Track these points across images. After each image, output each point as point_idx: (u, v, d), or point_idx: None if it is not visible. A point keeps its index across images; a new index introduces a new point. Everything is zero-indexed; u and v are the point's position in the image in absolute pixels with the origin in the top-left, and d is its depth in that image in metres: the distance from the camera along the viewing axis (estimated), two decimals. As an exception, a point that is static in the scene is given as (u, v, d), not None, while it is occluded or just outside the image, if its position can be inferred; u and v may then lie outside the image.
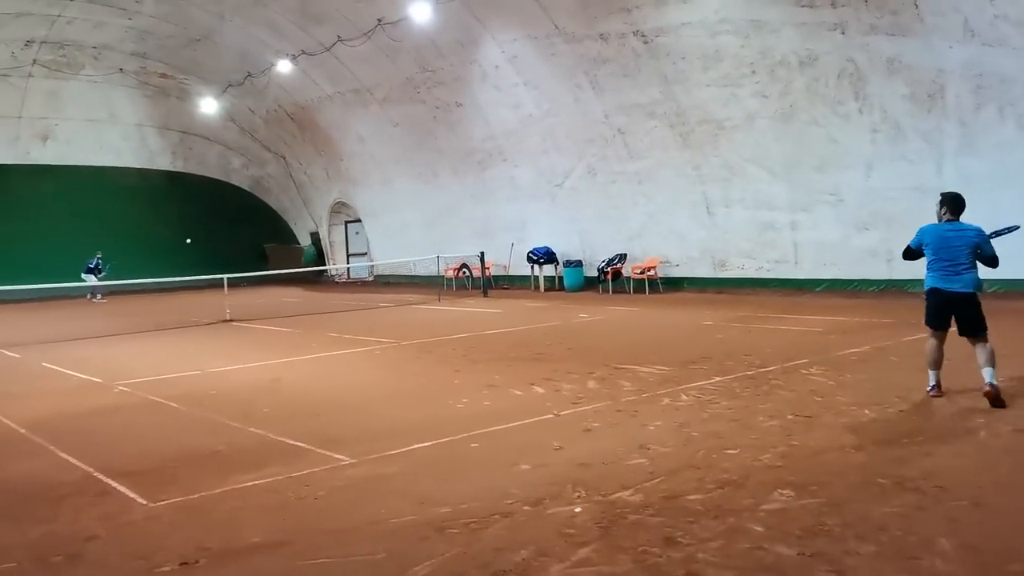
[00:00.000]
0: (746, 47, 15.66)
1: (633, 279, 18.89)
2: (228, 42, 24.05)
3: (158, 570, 3.82)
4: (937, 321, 6.53)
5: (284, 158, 29.78)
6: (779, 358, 8.77)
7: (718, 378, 7.85)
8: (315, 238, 31.02)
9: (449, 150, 23.05)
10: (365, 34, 20.81)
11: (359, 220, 28.55)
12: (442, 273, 22.01)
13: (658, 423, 6.19)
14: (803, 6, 14.50)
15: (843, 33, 14.39)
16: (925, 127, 14.31)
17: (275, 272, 24.50)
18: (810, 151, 15.96)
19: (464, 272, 23.02)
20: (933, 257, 6.47)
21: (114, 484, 5.19)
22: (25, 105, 25.43)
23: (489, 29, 19.21)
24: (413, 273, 25.45)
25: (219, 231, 28.72)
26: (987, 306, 6.50)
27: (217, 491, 4.95)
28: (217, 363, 10.41)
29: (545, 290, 20.63)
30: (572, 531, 4.03)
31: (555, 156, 20.41)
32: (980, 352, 6.27)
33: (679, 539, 3.86)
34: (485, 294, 20.29)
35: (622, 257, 19.31)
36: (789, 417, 6.19)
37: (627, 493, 4.56)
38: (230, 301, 16.77)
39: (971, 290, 6.33)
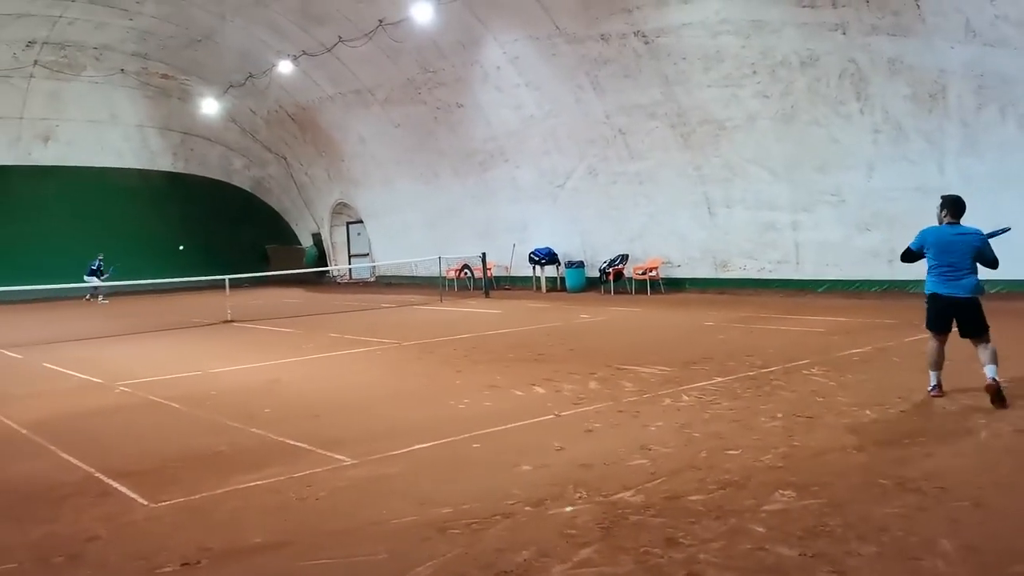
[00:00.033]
0: (747, 47, 15.66)
1: (635, 280, 18.89)
2: (229, 43, 24.07)
3: (159, 571, 3.81)
4: (938, 325, 6.53)
5: (285, 159, 29.79)
6: (781, 359, 8.77)
7: (719, 379, 7.85)
8: (317, 239, 31.04)
9: (450, 151, 23.05)
10: (366, 35, 20.82)
11: (360, 221, 28.56)
12: (443, 274, 22.02)
13: (659, 424, 6.19)
14: (804, 6, 14.49)
15: (844, 33, 14.39)
16: (927, 127, 14.31)
17: (276, 273, 24.51)
18: (811, 151, 15.96)
19: (466, 273, 23.03)
20: (934, 261, 6.45)
21: (115, 484, 5.19)
22: (26, 106, 25.46)
23: (490, 30, 19.21)
24: (414, 274, 25.45)
25: (220, 232, 28.75)
26: (989, 307, 6.50)
27: (218, 491, 4.95)
28: (218, 364, 10.41)
29: (547, 291, 20.63)
30: (574, 532, 4.03)
31: (556, 157, 20.41)
32: (982, 352, 6.27)
33: (680, 540, 3.86)
34: (487, 295, 20.29)
35: (624, 258, 19.31)
36: (791, 417, 6.18)
37: (628, 494, 4.56)
38: (231, 302, 16.78)
39: (971, 295, 6.32)
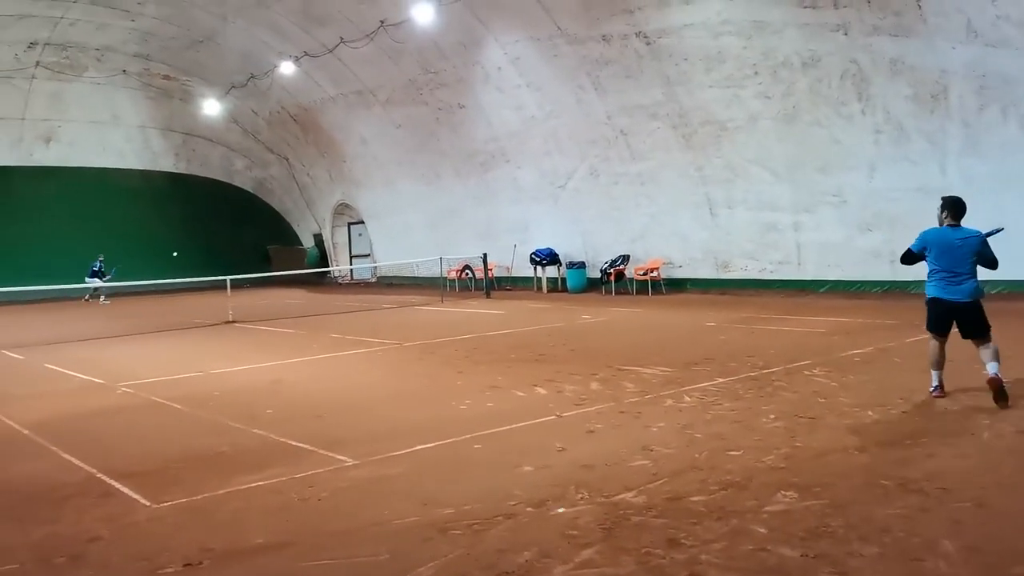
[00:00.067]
0: (748, 48, 15.65)
1: (636, 280, 18.89)
2: (231, 44, 24.09)
3: (161, 571, 3.82)
4: (938, 327, 6.53)
5: (287, 160, 29.82)
6: (782, 359, 8.76)
7: (721, 379, 7.84)
8: (318, 240, 31.07)
9: (452, 152, 23.06)
10: (368, 36, 20.84)
11: (362, 222, 28.58)
12: (445, 275, 22.02)
13: (661, 424, 6.19)
14: (805, 7, 14.49)
15: (846, 34, 14.38)
16: (928, 128, 14.30)
17: (278, 274, 24.52)
18: (813, 152, 15.95)
19: (467, 273, 23.03)
20: (935, 265, 6.42)
21: (117, 485, 5.19)
22: (28, 107, 25.50)
23: (492, 31, 19.22)
24: (416, 274, 25.46)
25: (222, 233, 28.78)
26: (990, 307, 6.50)
27: (220, 492, 4.96)
28: (220, 364, 10.42)
29: (548, 291, 20.63)
30: (575, 532, 4.03)
31: (557, 157, 20.42)
32: (984, 351, 6.26)
33: (682, 541, 3.86)
34: (488, 295, 20.29)
35: (625, 258, 19.31)
36: (792, 418, 6.18)
37: (630, 494, 4.55)
38: (233, 302, 16.80)
39: (972, 299, 6.31)
